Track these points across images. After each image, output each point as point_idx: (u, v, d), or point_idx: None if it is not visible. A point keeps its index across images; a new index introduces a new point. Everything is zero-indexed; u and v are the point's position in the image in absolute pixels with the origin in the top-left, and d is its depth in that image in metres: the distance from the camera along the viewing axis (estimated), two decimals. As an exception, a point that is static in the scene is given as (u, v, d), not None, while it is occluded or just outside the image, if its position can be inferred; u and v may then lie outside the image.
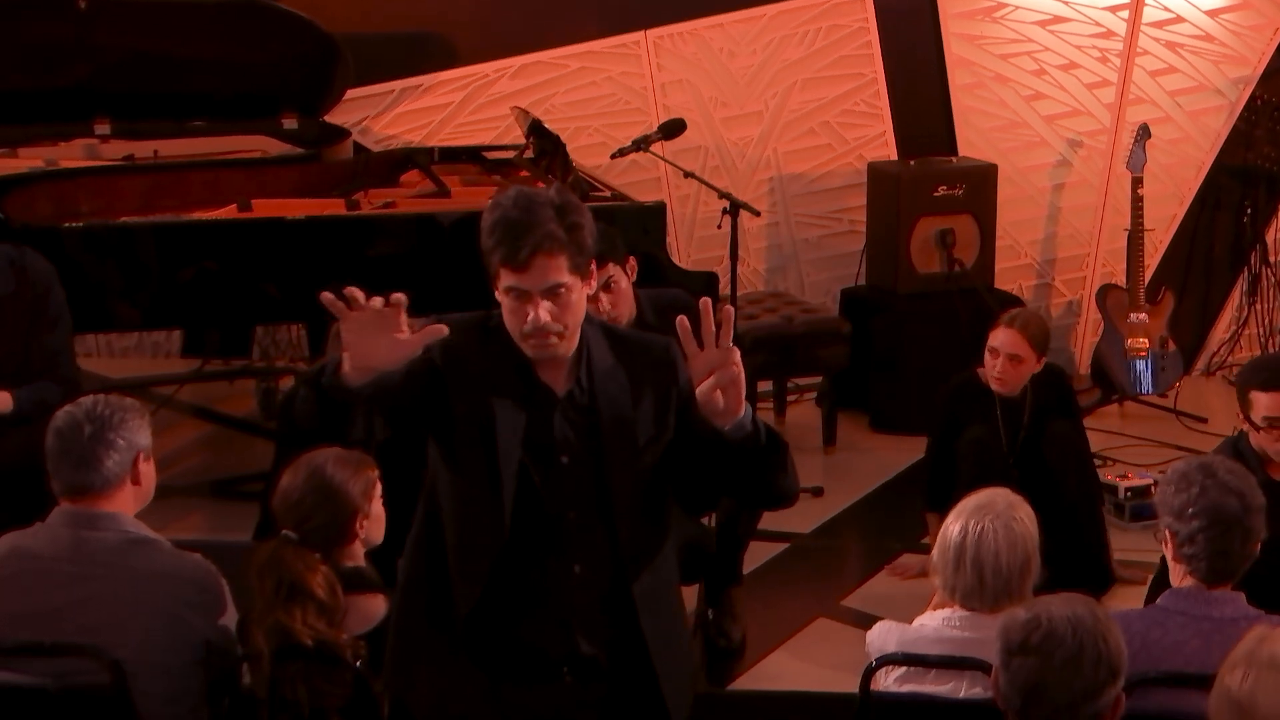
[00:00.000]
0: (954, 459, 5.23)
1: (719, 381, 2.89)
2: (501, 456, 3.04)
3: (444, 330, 2.94)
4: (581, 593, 3.10)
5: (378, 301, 2.87)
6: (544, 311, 2.99)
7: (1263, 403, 4.28)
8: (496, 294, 3.07)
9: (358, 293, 2.87)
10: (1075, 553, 5.05)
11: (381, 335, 2.87)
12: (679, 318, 2.91)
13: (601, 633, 3.12)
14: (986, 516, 3.43)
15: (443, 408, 3.06)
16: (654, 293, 4.94)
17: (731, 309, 2.95)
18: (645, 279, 5.12)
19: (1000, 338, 5.19)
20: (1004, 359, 5.17)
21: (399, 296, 2.88)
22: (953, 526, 3.45)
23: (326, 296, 2.88)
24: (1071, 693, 2.73)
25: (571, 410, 3.09)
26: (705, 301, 2.94)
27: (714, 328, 2.90)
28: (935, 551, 3.48)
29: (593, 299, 4.60)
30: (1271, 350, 7.49)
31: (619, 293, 4.69)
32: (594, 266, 3.09)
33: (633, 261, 4.79)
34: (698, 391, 2.92)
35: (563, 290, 3.00)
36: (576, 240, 3.01)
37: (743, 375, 2.91)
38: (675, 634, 3.24)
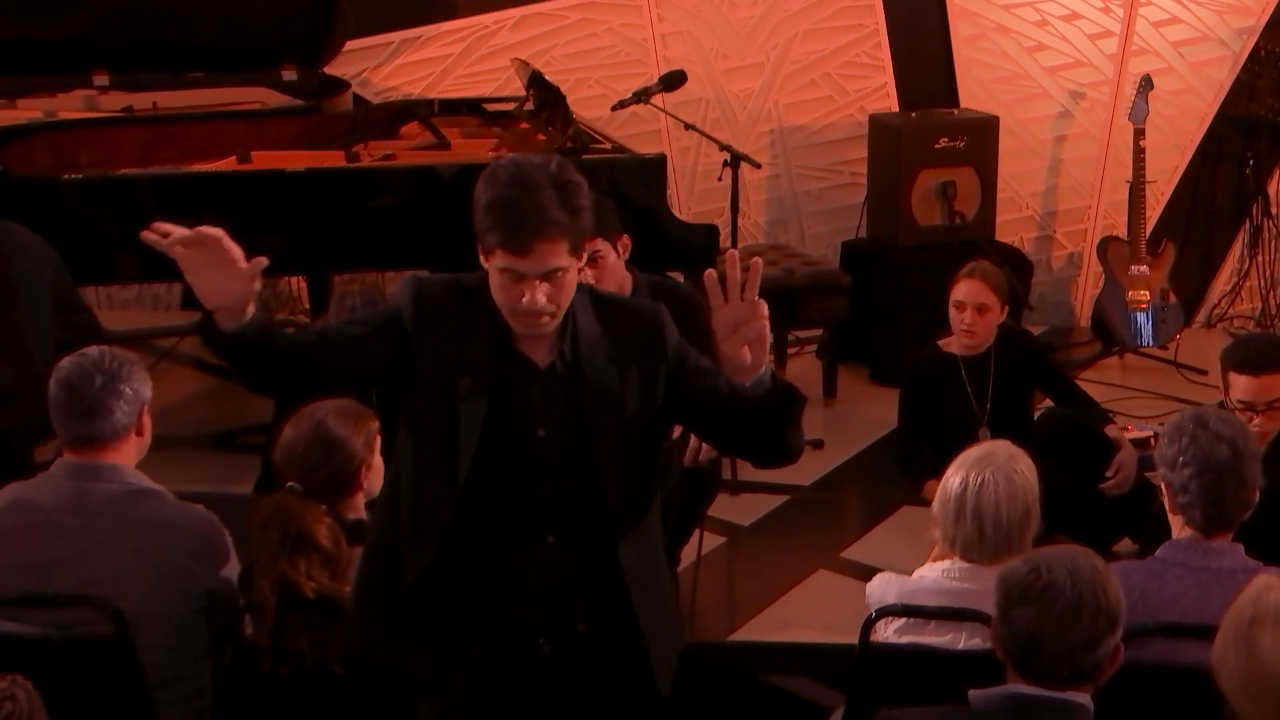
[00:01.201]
0: (927, 432, 5.28)
1: (745, 336, 2.84)
2: (462, 427, 2.96)
3: (264, 261, 2.85)
4: (558, 566, 3.06)
5: (186, 232, 2.84)
6: (541, 294, 2.92)
7: (1239, 385, 4.27)
8: (484, 263, 2.99)
9: (166, 227, 2.85)
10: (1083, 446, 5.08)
11: (216, 269, 2.83)
12: (708, 270, 2.85)
13: (581, 605, 3.08)
14: (987, 468, 3.43)
15: (406, 372, 3.00)
16: (656, 280, 4.89)
17: (760, 260, 2.90)
18: (645, 232, 5.11)
19: (964, 290, 5.20)
20: (971, 310, 5.18)
21: (210, 231, 2.84)
22: (953, 479, 3.46)
23: (147, 236, 2.86)
24: (1071, 643, 2.75)
25: (553, 382, 3.03)
26: (732, 254, 2.86)
27: (739, 281, 2.84)
28: (935, 504, 3.49)
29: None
30: (1272, 303, 7.49)
31: (604, 268, 4.48)
32: (587, 241, 3.03)
33: (626, 240, 4.61)
34: (722, 346, 2.86)
35: (560, 273, 2.93)
36: (577, 224, 2.93)
37: (768, 330, 2.85)
38: (664, 603, 3.20)
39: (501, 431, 3.01)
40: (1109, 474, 4.96)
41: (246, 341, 2.85)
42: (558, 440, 3.03)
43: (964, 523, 3.42)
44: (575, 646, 3.11)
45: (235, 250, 2.83)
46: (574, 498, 3.04)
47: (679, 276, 6.54)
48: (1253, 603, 2.81)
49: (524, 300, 2.93)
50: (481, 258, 3.00)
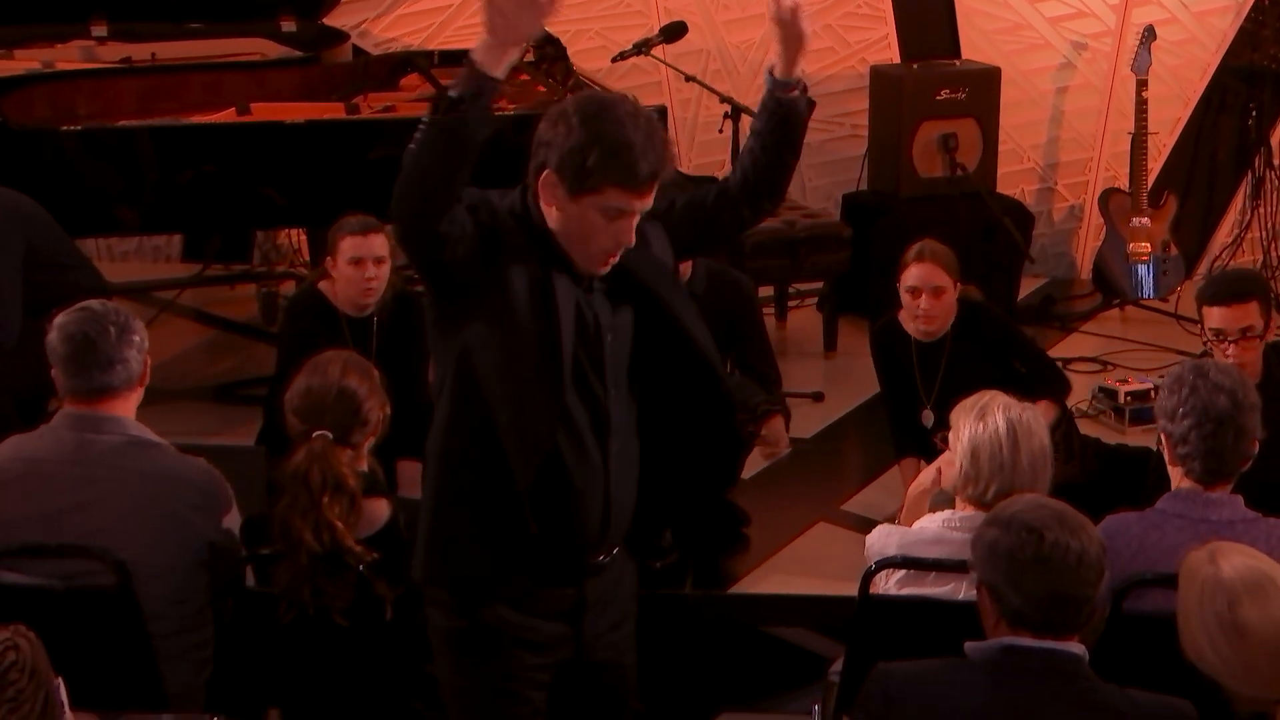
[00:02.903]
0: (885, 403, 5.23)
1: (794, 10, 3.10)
2: (563, 330, 3.03)
3: None
4: (618, 470, 3.15)
5: None
6: (625, 231, 3.02)
7: (1212, 316, 4.29)
8: (553, 200, 3.02)
9: None
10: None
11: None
12: None
13: (626, 514, 3.20)
14: (1009, 410, 3.45)
15: (496, 277, 3.02)
16: (716, 268, 4.97)
17: None
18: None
19: (915, 274, 4.87)
20: (926, 295, 4.85)
21: None
22: (974, 424, 3.45)
23: None
24: (1087, 588, 2.76)
25: (609, 288, 3.12)
26: None
27: None
28: (959, 455, 3.47)
29: None
30: (1274, 255, 7.47)
31: None
32: None
33: None
34: (786, 26, 3.11)
35: (639, 212, 3.05)
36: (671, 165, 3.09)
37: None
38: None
39: (579, 341, 3.08)
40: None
41: (485, 100, 2.95)
42: (619, 344, 3.13)
43: (991, 467, 3.41)
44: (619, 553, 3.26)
45: None
46: (629, 401, 3.16)
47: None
48: (1215, 587, 2.80)
49: (622, 237, 3.02)
50: (554, 194, 3.01)
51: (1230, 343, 4.22)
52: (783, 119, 3.19)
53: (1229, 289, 4.33)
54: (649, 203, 3.03)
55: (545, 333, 3.03)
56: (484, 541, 3.14)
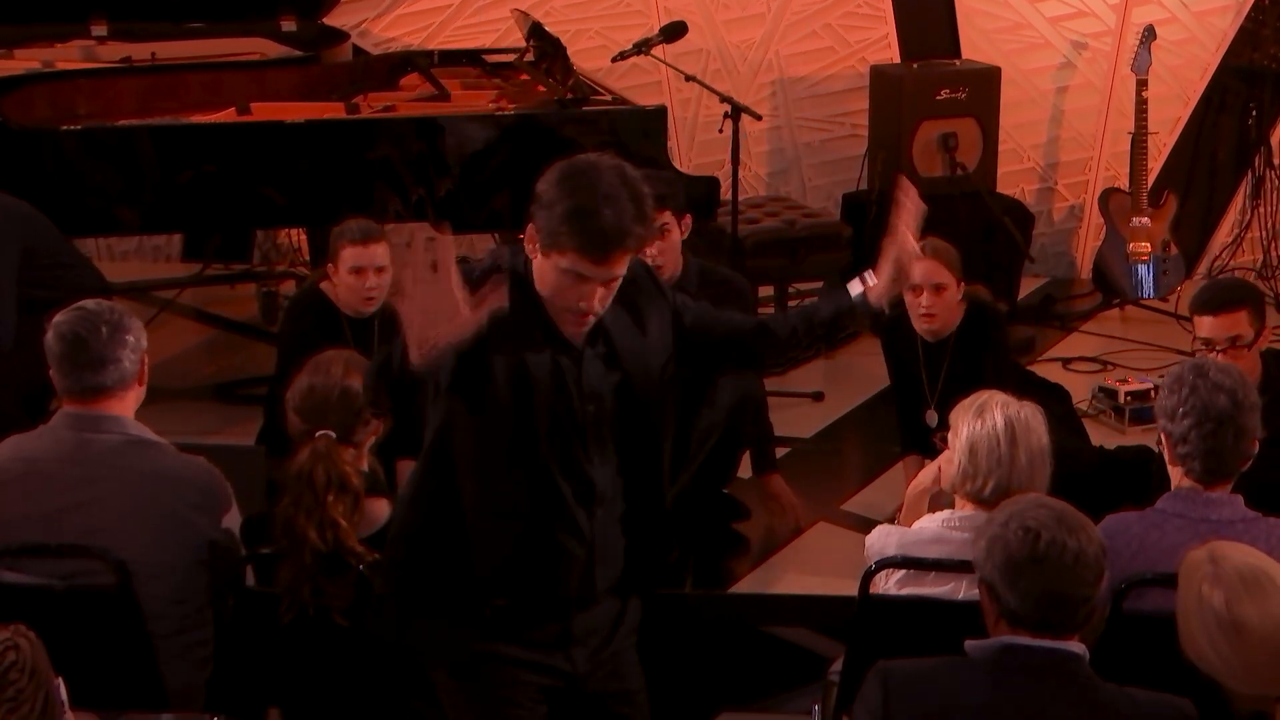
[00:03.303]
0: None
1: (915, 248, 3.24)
2: (540, 423, 3.06)
3: (504, 303, 2.92)
4: (604, 528, 3.18)
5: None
6: (597, 299, 3.04)
7: (1201, 325, 4.28)
8: (533, 253, 3.05)
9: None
10: None
11: (441, 316, 2.82)
12: (903, 176, 3.21)
13: (616, 561, 3.23)
14: (1006, 408, 3.45)
15: (481, 374, 3.05)
16: (708, 267, 4.97)
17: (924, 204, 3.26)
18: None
19: (917, 272, 4.68)
20: (928, 292, 4.83)
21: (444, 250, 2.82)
22: (971, 422, 3.45)
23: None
24: (1085, 588, 2.76)
25: (594, 359, 3.13)
26: (904, 181, 3.31)
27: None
28: (958, 452, 3.47)
29: None
30: (1274, 255, 7.47)
31: (668, 243, 4.70)
32: None
33: (689, 219, 4.79)
34: (903, 262, 3.25)
35: (618, 279, 3.06)
36: (648, 234, 3.09)
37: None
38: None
39: (561, 415, 3.10)
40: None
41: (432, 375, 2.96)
42: (601, 413, 3.14)
43: (989, 463, 3.41)
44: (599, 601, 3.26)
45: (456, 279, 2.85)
46: (614, 468, 3.17)
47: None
48: (1213, 585, 2.81)
49: (582, 302, 3.03)
50: (532, 247, 3.06)
51: (1218, 352, 4.19)
52: (843, 326, 3.33)
53: (1217, 298, 4.32)
54: (614, 272, 3.02)
55: (521, 429, 3.06)
56: (445, 613, 3.20)
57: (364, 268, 4.79)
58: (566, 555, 3.16)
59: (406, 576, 3.26)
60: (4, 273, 4.77)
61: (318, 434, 3.54)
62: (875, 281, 3.25)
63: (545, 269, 3.04)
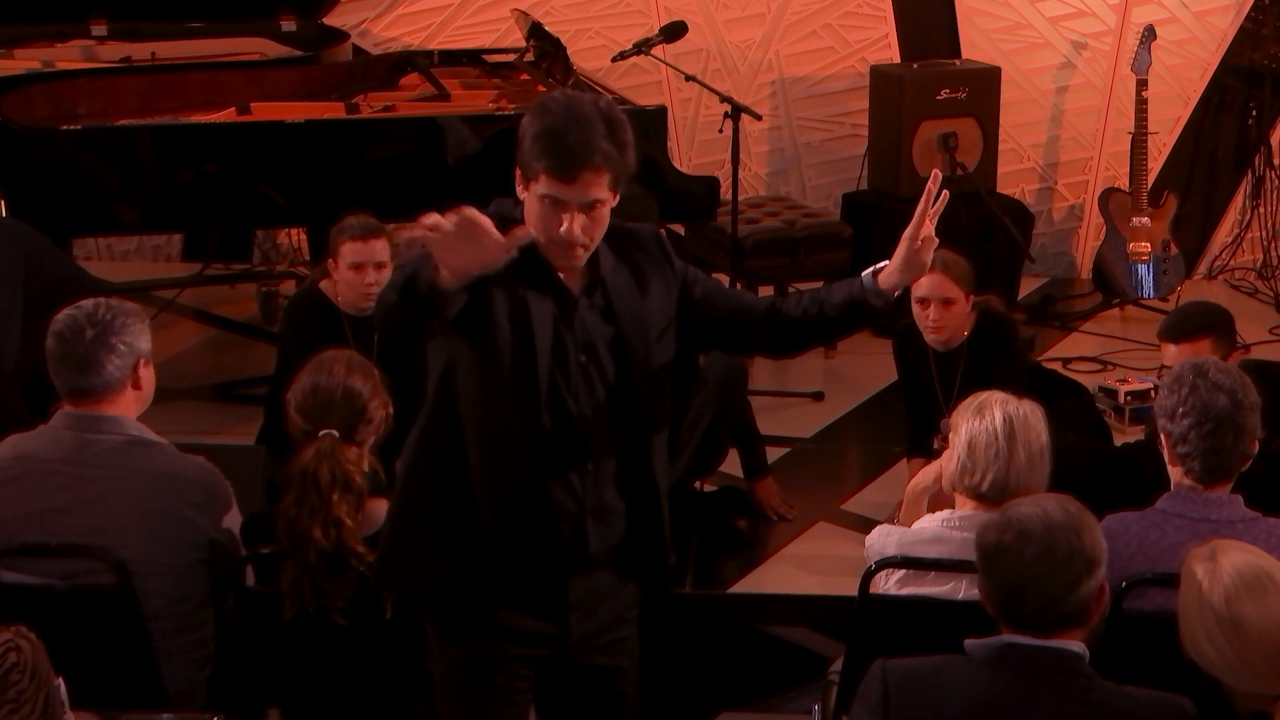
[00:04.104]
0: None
1: (931, 244, 3.19)
2: (539, 360, 3.05)
3: (531, 233, 2.94)
4: (595, 486, 3.15)
5: (451, 219, 2.82)
6: (578, 225, 3.00)
7: (1168, 354, 4.26)
8: (522, 192, 3.06)
9: (432, 220, 2.82)
10: None
11: (472, 244, 2.84)
12: (935, 171, 3.24)
13: (619, 523, 3.20)
14: (1005, 406, 3.45)
15: (482, 305, 3.03)
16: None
17: (948, 193, 3.23)
18: (646, 184, 5.11)
19: (925, 285, 4.76)
20: (935, 306, 4.81)
21: (469, 212, 2.83)
22: (971, 421, 3.45)
23: (407, 236, 2.84)
24: (1051, 588, 2.75)
25: (590, 309, 3.12)
26: (936, 173, 3.24)
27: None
28: (953, 446, 3.48)
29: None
30: (1274, 254, 7.47)
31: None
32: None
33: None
34: (918, 255, 3.19)
35: (599, 205, 3.02)
36: (623, 158, 3.03)
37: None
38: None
39: (554, 361, 3.08)
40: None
41: (457, 298, 2.91)
42: (593, 365, 3.12)
43: (987, 457, 3.41)
44: (596, 565, 3.22)
45: (487, 224, 2.85)
46: (609, 423, 3.14)
47: (679, 229, 6.57)
48: (1213, 583, 2.82)
49: (562, 229, 3.00)
50: (521, 187, 3.07)
51: None
52: (858, 315, 3.28)
53: (1180, 326, 4.30)
54: (588, 194, 2.98)
55: (522, 362, 3.05)
56: (443, 558, 3.17)
57: (364, 264, 4.79)
58: (557, 507, 3.13)
59: (409, 526, 3.23)
60: (8, 295, 4.76)
61: (321, 433, 3.54)
62: (885, 271, 3.23)
63: (529, 203, 3.04)
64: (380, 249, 4.80)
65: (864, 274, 3.25)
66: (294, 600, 3.49)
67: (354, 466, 3.52)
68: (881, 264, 3.24)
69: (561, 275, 3.10)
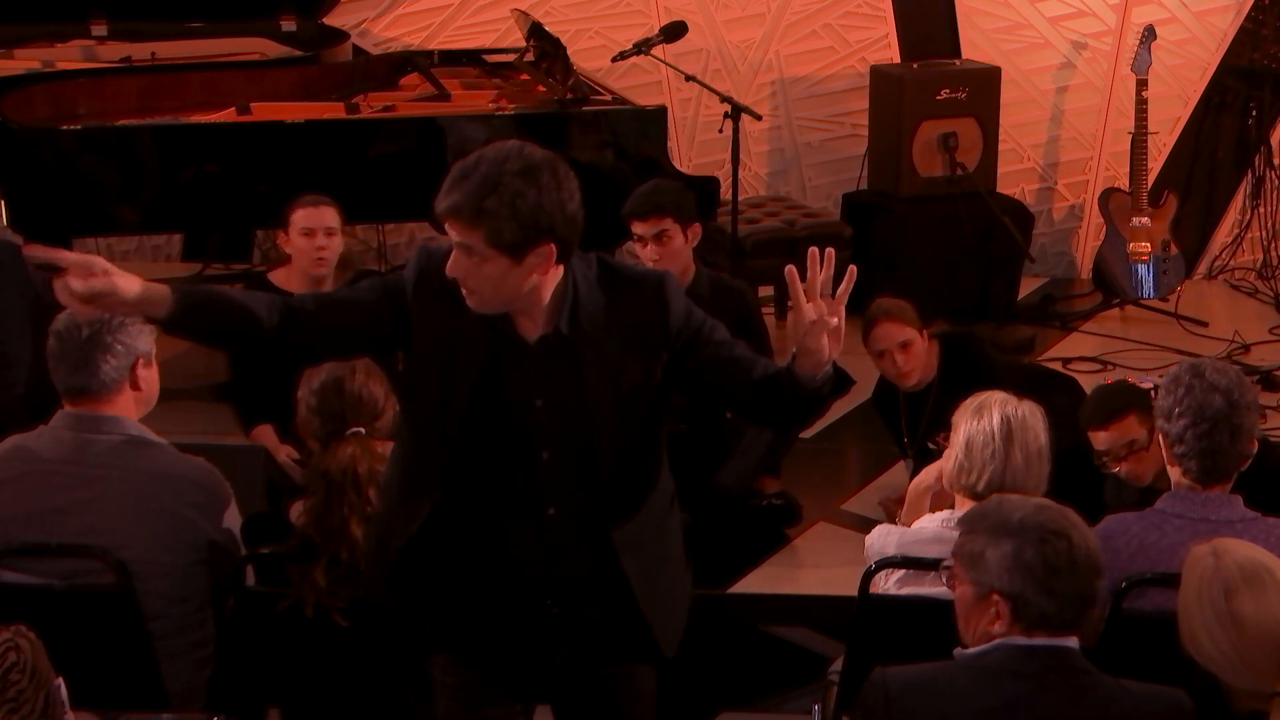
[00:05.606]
0: None
1: (825, 326, 2.89)
2: (451, 402, 2.98)
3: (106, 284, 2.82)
4: (560, 532, 3.06)
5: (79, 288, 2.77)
6: (451, 262, 2.91)
7: (1097, 440, 4.19)
8: None
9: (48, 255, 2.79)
10: None
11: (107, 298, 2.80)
12: (789, 266, 2.92)
13: (584, 568, 3.09)
14: (1006, 407, 3.46)
15: (405, 343, 3.02)
16: (716, 277, 5.02)
17: (855, 268, 2.98)
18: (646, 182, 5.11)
19: (876, 339, 4.83)
20: (894, 352, 4.85)
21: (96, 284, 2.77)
22: (972, 422, 3.45)
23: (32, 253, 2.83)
24: (1091, 589, 2.76)
25: (546, 354, 2.99)
26: (812, 251, 2.94)
27: (823, 278, 2.92)
28: (956, 448, 3.48)
29: (641, 244, 4.76)
30: (1274, 254, 7.47)
31: (669, 248, 4.75)
32: (550, 247, 2.89)
33: (697, 229, 4.85)
34: (803, 340, 2.89)
35: (469, 254, 2.88)
36: (487, 221, 2.84)
37: (843, 326, 2.90)
38: (664, 570, 3.19)
39: (499, 403, 3.00)
40: None
41: (181, 320, 2.88)
42: (557, 410, 3.01)
43: (984, 457, 3.41)
44: (583, 605, 3.12)
45: (109, 287, 2.79)
46: (574, 468, 3.04)
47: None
48: (1213, 577, 2.82)
49: (447, 267, 2.93)
50: None
51: (1120, 460, 4.15)
52: (803, 400, 2.97)
53: (1102, 410, 4.22)
54: (460, 237, 2.86)
55: (438, 404, 3.00)
56: (416, 587, 3.15)
57: (314, 229, 4.96)
58: (521, 552, 3.05)
59: (383, 553, 3.20)
60: (15, 315, 4.75)
61: (349, 431, 3.53)
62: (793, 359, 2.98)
63: None
64: (330, 215, 4.98)
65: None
66: (310, 598, 3.47)
67: (380, 461, 3.51)
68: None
69: (515, 319, 2.99)
